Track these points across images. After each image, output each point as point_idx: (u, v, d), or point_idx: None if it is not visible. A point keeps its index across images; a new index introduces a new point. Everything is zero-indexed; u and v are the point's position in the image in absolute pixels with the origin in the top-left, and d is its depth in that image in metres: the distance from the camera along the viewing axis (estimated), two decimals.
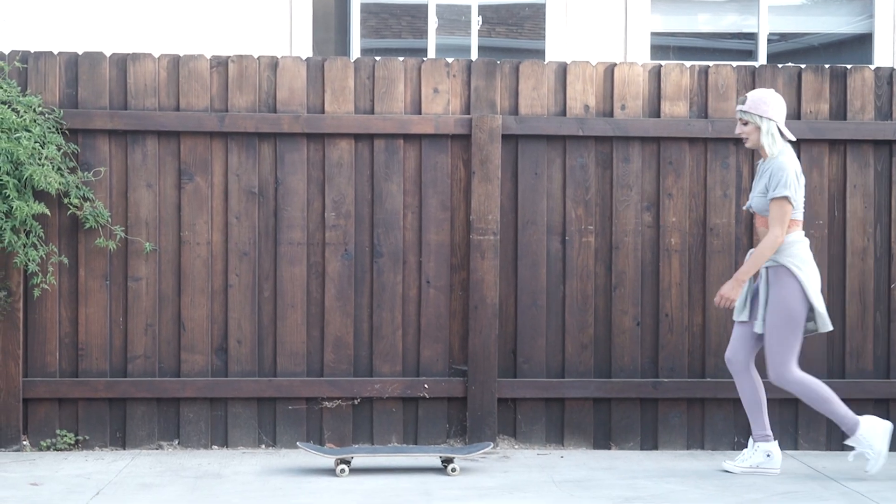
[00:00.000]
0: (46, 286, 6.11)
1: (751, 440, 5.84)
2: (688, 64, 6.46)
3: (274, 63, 6.32)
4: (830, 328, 5.71)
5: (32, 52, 6.25)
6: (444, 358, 6.35)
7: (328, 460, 5.84)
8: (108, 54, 6.30)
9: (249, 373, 6.28)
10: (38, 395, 6.18)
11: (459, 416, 6.35)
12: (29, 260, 5.99)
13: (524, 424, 6.36)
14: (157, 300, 6.25)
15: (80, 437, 6.23)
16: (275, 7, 8.83)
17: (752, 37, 9.14)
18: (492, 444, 6.12)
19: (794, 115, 6.43)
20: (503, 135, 6.32)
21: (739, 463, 5.82)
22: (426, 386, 6.30)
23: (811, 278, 5.67)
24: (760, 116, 5.71)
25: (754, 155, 6.35)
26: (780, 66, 6.48)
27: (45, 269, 6.12)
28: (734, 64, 6.48)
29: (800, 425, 6.40)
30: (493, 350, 6.28)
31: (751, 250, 5.84)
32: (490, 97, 6.36)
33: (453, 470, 5.72)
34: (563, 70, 6.40)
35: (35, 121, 6.03)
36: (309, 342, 6.32)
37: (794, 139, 5.81)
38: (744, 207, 6.06)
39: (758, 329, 5.72)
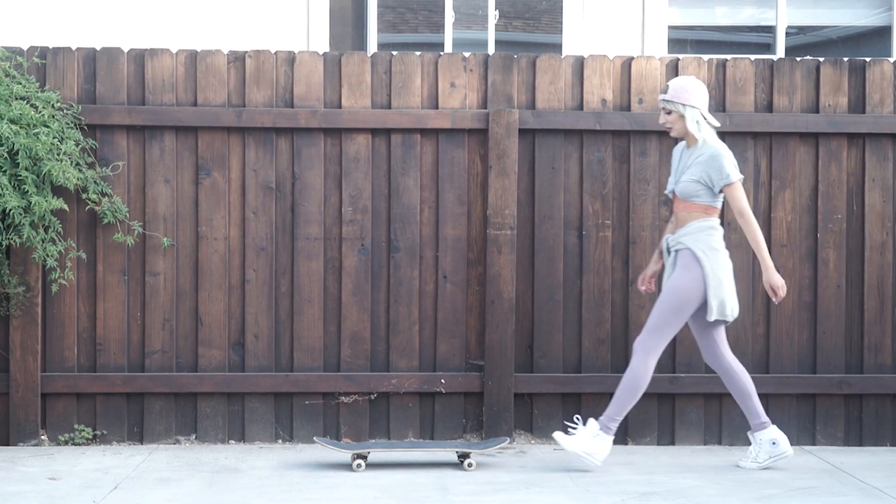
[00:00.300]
0: (65, 281, 6.14)
1: (750, 435, 5.81)
2: (705, 57, 6.43)
3: (291, 58, 6.32)
4: (727, 318, 5.60)
5: (51, 47, 6.27)
6: (460, 353, 6.35)
7: (345, 455, 5.84)
8: (125, 50, 6.31)
9: (266, 368, 6.30)
10: (56, 390, 6.21)
11: (476, 412, 6.35)
12: (47, 255, 6.01)
13: (541, 419, 6.35)
14: (174, 295, 6.27)
15: (97, 432, 6.25)
16: (292, 2, 8.83)
17: (770, 30, 9.10)
18: (508, 439, 6.12)
19: (813, 108, 6.40)
20: (520, 129, 6.31)
21: (752, 461, 5.79)
22: (443, 381, 6.30)
23: (716, 266, 5.60)
24: (683, 105, 5.69)
25: (772, 147, 6.33)
26: (798, 59, 6.45)
27: (63, 265, 6.14)
28: (752, 57, 6.45)
29: (817, 421, 6.37)
30: (509, 345, 6.28)
31: (666, 236, 5.79)
32: (507, 91, 6.35)
33: (470, 465, 5.73)
34: (580, 64, 6.39)
35: (53, 116, 6.05)
36: (326, 337, 6.32)
37: (718, 125, 5.78)
38: (666, 192, 6.00)
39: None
